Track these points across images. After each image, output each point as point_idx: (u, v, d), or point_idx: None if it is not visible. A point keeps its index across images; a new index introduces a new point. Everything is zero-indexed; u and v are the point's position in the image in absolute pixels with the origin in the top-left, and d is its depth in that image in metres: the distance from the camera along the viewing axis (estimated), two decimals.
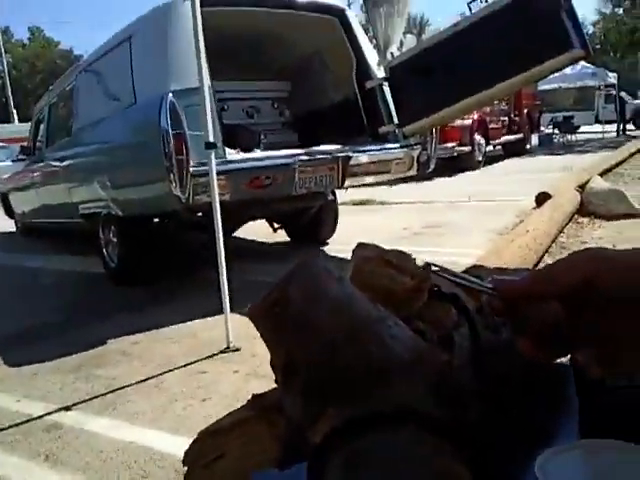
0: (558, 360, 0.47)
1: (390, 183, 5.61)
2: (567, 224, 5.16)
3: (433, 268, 0.53)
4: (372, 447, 0.37)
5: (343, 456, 0.38)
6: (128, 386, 2.70)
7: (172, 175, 3.53)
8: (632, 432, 0.51)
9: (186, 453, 0.59)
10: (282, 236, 5.63)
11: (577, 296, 0.38)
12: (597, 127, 19.98)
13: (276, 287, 0.44)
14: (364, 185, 5.27)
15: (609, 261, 0.39)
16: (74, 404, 2.56)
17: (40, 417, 2.46)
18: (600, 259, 0.39)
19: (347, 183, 4.40)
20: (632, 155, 11.18)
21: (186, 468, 0.60)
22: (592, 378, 0.49)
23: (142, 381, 2.75)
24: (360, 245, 0.56)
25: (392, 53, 4.20)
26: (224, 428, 0.56)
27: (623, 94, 19.93)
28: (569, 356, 0.60)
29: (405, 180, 6.21)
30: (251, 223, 5.35)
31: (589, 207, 5.63)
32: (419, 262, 0.56)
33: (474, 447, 0.43)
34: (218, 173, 3.20)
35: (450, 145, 10.56)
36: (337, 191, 5.20)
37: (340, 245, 4.91)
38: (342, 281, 0.45)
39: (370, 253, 0.54)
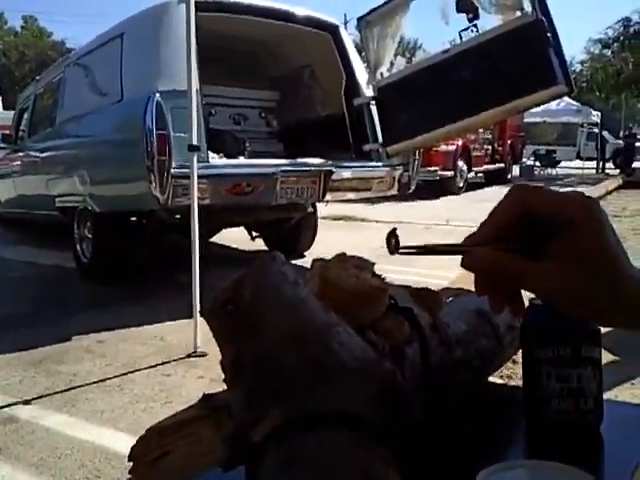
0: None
1: (372, 201, 5.62)
2: None
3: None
4: (305, 449, 0.38)
5: (277, 456, 0.38)
6: (89, 384, 2.66)
7: (152, 175, 3.52)
8: (576, 455, 0.52)
9: (132, 448, 0.59)
10: (261, 245, 5.62)
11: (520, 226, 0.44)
12: (578, 163, 20.38)
13: (230, 285, 0.45)
14: (345, 201, 5.28)
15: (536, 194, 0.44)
16: (33, 398, 2.52)
17: None
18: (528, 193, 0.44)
19: (328, 197, 4.42)
20: (609, 193, 11.41)
21: (131, 463, 0.60)
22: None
23: (104, 380, 2.71)
24: (317, 260, 0.57)
25: (382, 73, 4.25)
26: (171, 426, 0.56)
27: (605, 133, 20.34)
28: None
29: (387, 199, 6.25)
30: (231, 230, 5.33)
31: None
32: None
33: (412, 455, 0.44)
34: (199, 176, 3.20)
35: (433, 169, 10.69)
36: (318, 205, 5.22)
37: None
38: (296, 284, 0.46)
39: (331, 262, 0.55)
